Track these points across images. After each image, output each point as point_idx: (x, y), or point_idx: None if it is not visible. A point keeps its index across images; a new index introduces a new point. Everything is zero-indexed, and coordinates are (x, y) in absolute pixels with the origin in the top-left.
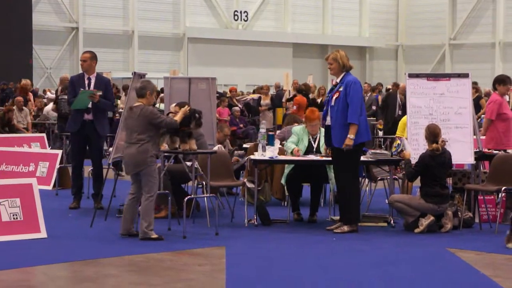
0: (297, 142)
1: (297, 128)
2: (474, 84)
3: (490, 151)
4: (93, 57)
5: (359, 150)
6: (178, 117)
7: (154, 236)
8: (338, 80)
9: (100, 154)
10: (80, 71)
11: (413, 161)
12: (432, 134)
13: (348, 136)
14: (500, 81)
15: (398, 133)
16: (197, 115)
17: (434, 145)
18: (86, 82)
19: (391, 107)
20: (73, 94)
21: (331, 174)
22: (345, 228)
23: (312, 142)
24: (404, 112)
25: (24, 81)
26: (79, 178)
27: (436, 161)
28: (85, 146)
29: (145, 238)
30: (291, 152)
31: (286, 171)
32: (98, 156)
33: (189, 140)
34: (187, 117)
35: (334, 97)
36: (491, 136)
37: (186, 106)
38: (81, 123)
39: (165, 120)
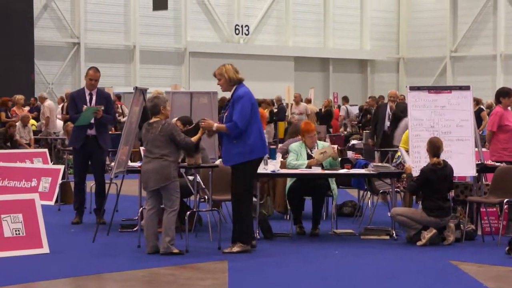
0: (297, 158)
1: (294, 145)
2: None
3: (493, 163)
4: (100, 75)
5: (253, 167)
6: (195, 139)
7: (176, 250)
8: (231, 96)
9: (103, 169)
10: (82, 86)
11: (415, 173)
12: (433, 147)
13: (216, 124)
14: (504, 93)
15: (401, 145)
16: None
17: (435, 159)
18: (88, 97)
19: (380, 119)
20: (75, 110)
21: (334, 187)
22: (235, 248)
23: (311, 155)
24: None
25: (15, 97)
26: (81, 193)
27: (437, 175)
28: (87, 161)
29: (167, 253)
30: (306, 167)
31: (288, 183)
32: (101, 171)
33: (195, 154)
34: (194, 129)
35: (225, 115)
36: (494, 148)
37: (201, 130)
38: (84, 138)
39: (185, 140)
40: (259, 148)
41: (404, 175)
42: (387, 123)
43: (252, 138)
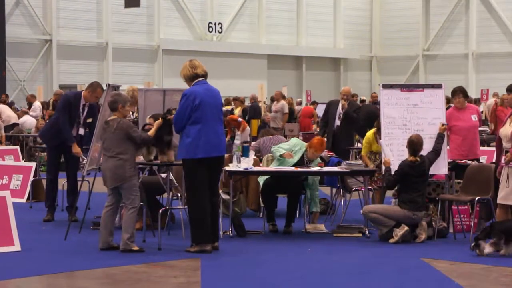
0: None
1: (295, 142)
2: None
3: (463, 161)
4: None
5: (193, 166)
6: (152, 132)
7: (135, 248)
8: None
9: (77, 167)
10: (56, 84)
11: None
12: (411, 146)
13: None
14: (452, 93)
15: (363, 151)
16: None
17: (411, 157)
18: (81, 107)
19: (330, 118)
20: (68, 115)
21: (312, 194)
22: (191, 249)
23: (305, 161)
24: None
25: None
26: (54, 190)
27: (415, 171)
28: (60, 159)
29: (126, 250)
30: (280, 156)
31: (262, 180)
32: (75, 169)
33: (167, 150)
34: (165, 125)
35: None
36: (451, 148)
37: (160, 119)
38: (63, 139)
39: (141, 136)
40: (195, 149)
41: (377, 175)
42: (337, 122)
43: (190, 137)
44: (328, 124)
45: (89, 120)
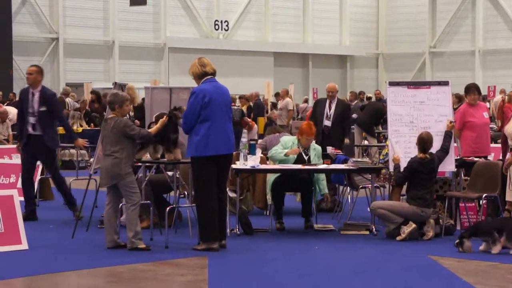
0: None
1: (287, 139)
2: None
3: (470, 158)
4: (39, 72)
5: (202, 164)
6: (153, 130)
7: (141, 246)
8: None
9: (53, 166)
10: (62, 82)
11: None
12: (421, 143)
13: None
14: (466, 90)
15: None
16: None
17: (421, 154)
18: (30, 96)
19: (319, 116)
20: (21, 108)
21: (318, 182)
22: (198, 246)
23: (304, 155)
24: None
25: None
26: (28, 189)
27: (424, 167)
28: (34, 159)
29: (133, 248)
30: (284, 156)
31: (272, 177)
32: (50, 167)
33: (174, 149)
34: (171, 123)
35: None
36: (463, 145)
37: (165, 117)
38: (27, 137)
39: (140, 132)
40: (204, 147)
41: (384, 171)
42: (326, 122)
43: (199, 135)
44: (316, 124)
45: (43, 108)
